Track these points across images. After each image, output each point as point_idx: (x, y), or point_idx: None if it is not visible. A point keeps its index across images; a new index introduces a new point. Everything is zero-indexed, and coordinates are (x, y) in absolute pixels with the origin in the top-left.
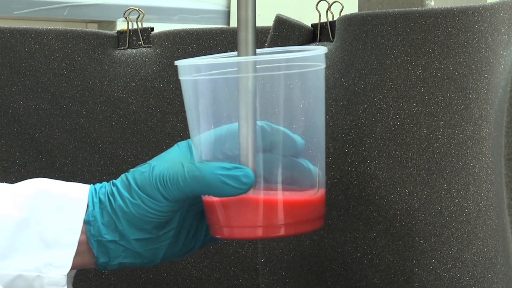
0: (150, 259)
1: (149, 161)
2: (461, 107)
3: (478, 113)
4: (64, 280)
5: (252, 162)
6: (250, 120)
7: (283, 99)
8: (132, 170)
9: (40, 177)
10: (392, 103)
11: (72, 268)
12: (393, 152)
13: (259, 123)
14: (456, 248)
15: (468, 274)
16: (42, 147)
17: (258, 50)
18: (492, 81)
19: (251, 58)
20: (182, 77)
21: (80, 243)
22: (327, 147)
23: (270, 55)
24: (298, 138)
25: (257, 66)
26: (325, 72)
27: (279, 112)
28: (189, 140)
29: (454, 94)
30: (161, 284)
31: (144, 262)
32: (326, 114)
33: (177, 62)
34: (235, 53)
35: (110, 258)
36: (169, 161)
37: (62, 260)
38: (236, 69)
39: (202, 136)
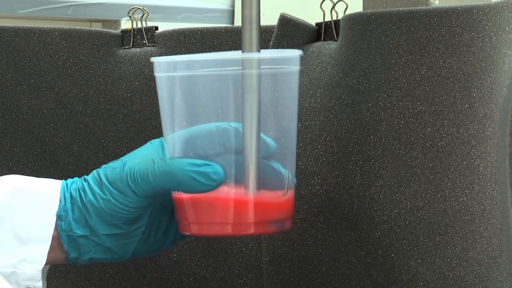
0: (120, 254)
1: (121, 158)
2: (465, 106)
3: (482, 112)
4: (39, 275)
5: (256, 162)
6: (254, 119)
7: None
8: (104, 166)
9: (44, 176)
10: (397, 102)
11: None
12: (398, 151)
13: (233, 124)
14: (460, 247)
15: (472, 273)
16: (46, 146)
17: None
18: (496, 80)
19: (238, 55)
20: (157, 74)
21: (51, 239)
22: (331, 146)
23: (244, 54)
24: (270, 141)
25: (229, 67)
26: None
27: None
28: (162, 138)
29: (458, 93)
30: (165, 283)
31: (114, 257)
32: (330, 113)
33: (153, 59)
34: (224, 52)
35: (81, 253)
36: (140, 157)
37: (36, 256)
38: (216, 67)
39: (176, 134)
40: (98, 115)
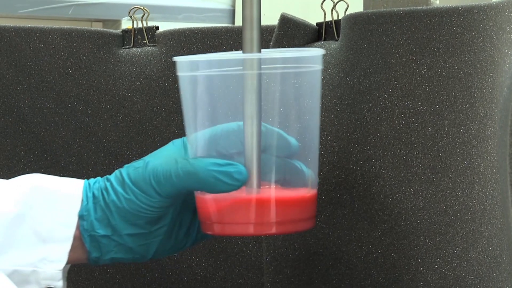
0: (142, 254)
1: (143, 157)
2: (466, 106)
3: (483, 112)
4: (59, 275)
5: (257, 160)
6: (255, 119)
7: (279, 100)
8: (126, 165)
9: None
10: (397, 102)
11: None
12: (398, 151)
13: None
14: (461, 247)
15: (473, 273)
16: (46, 146)
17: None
18: (497, 80)
19: (255, 55)
20: (180, 73)
21: (73, 238)
22: (331, 146)
23: (267, 53)
24: (292, 140)
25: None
26: (323, 74)
27: (275, 113)
28: (184, 138)
29: (459, 93)
30: (166, 282)
31: (135, 257)
32: (331, 113)
33: (175, 58)
34: (238, 52)
35: (102, 253)
36: (163, 157)
37: (57, 255)
38: (237, 67)
39: (198, 134)
40: (99, 114)
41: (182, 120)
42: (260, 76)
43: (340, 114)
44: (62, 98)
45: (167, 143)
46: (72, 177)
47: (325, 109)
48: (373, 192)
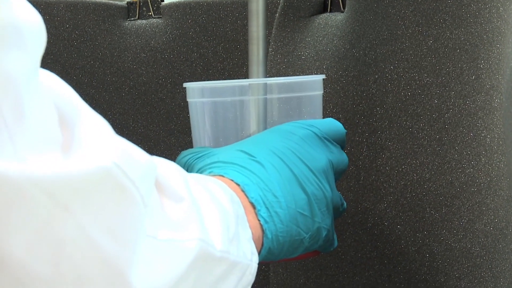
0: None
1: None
2: (472, 77)
3: (489, 83)
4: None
5: None
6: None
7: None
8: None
9: None
10: (403, 73)
11: None
12: (404, 122)
13: None
14: (467, 219)
15: (478, 245)
16: None
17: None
18: (503, 51)
19: (259, 80)
20: (189, 99)
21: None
22: (337, 118)
23: (268, 79)
24: None
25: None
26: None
27: None
28: None
29: (465, 65)
30: None
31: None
32: (337, 85)
33: (186, 84)
34: (243, 80)
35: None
36: None
37: (254, 251)
38: (241, 94)
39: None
40: (104, 87)
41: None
42: (264, 100)
43: (346, 86)
44: (67, 71)
45: (172, 114)
46: None
47: (331, 81)
48: (379, 164)
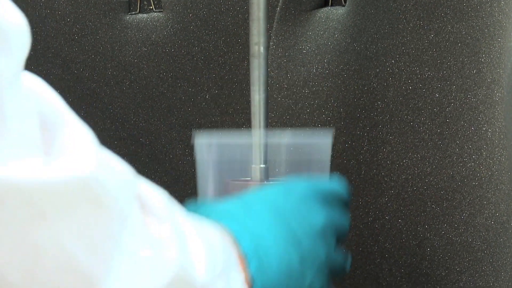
0: None
1: None
2: (473, 71)
3: (490, 77)
4: None
5: None
6: None
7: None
8: None
9: None
10: (404, 67)
11: None
12: (405, 116)
13: None
14: (468, 213)
15: (480, 239)
16: None
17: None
18: (505, 45)
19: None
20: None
21: None
22: (338, 112)
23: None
24: None
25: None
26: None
27: None
28: None
29: (466, 58)
30: None
31: None
32: (338, 79)
33: (195, 140)
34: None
35: None
36: None
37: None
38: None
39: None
40: (105, 81)
41: (188, 86)
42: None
43: (347, 80)
44: (68, 65)
45: (173, 109)
46: None
47: (332, 75)
48: (380, 158)
